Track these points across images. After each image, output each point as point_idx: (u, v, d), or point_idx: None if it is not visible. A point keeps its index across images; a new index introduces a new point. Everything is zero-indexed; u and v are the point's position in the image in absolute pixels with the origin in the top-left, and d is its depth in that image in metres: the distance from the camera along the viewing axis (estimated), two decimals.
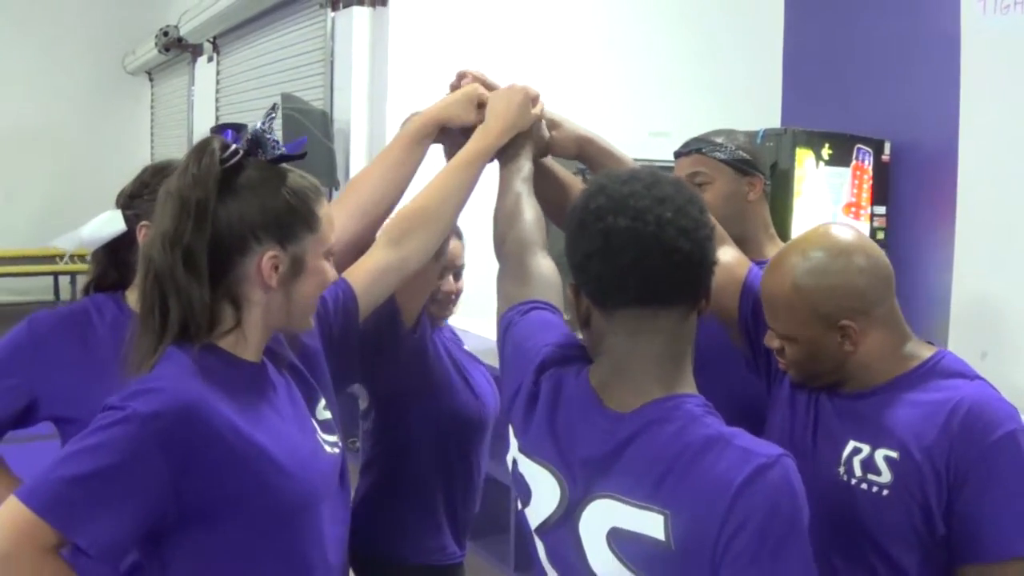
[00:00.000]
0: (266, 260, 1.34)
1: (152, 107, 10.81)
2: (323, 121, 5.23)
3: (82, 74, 10.46)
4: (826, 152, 4.86)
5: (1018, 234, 4.07)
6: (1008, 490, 1.35)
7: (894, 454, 1.41)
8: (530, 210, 1.63)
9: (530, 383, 1.36)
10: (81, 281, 2.17)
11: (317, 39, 5.79)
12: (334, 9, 5.57)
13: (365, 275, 1.65)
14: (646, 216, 1.22)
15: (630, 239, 1.22)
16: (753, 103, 5.63)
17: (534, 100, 1.81)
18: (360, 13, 5.36)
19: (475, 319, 4.24)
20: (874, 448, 1.43)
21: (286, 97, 5.18)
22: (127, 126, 10.75)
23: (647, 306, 1.25)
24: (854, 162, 4.99)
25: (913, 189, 5.11)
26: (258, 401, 1.35)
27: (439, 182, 1.73)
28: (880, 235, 5.09)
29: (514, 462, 1.37)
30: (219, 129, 1.40)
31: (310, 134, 5.12)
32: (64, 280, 9.58)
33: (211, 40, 8.15)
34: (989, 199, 4.23)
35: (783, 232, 5.57)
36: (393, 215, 1.75)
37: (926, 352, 1.51)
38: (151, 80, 10.83)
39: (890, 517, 1.40)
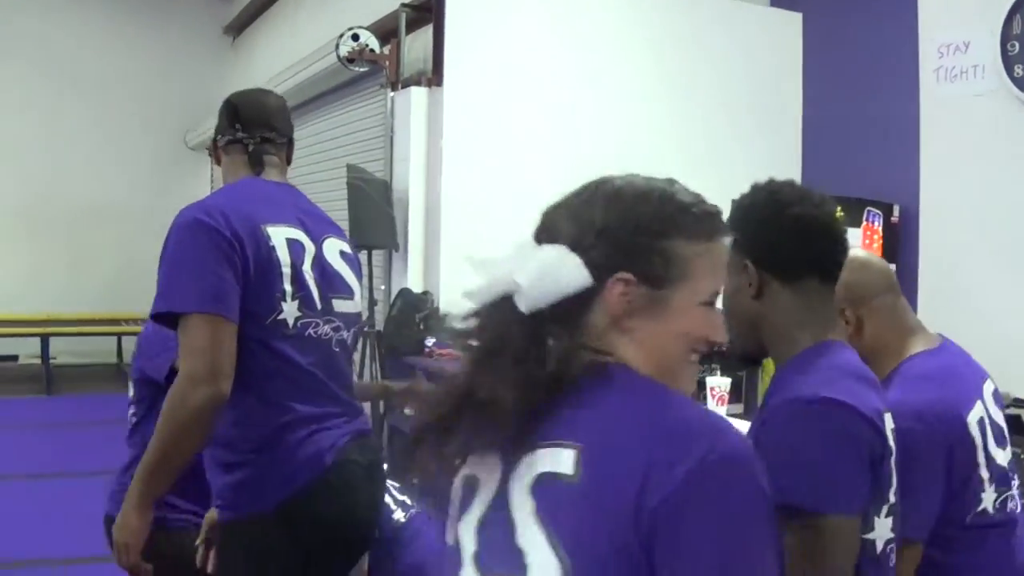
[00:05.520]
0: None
1: (212, 181, 11.45)
2: (384, 190, 5.75)
3: (146, 150, 11.10)
4: (837, 215, 5.35)
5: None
6: None
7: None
8: None
9: None
10: None
11: (378, 116, 6.35)
12: (393, 89, 6.14)
13: None
14: (825, 207, 1.63)
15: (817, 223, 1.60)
16: (775, 173, 6.11)
17: None
18: (418, 93, 5.92)
19: None
20: None
21: (351, 168, 5.72)
22: (188, 199, 11.33)
23: (822, 279, 1.61)
24: (864, 223, 5.48)
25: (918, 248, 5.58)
26: None
27: None
28: None
29: None
30: None
31: (372, 202, 5.66)
32: (127, 341, 10.11)
33: None
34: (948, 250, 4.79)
35: None
36: None
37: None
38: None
39: None
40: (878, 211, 5.54)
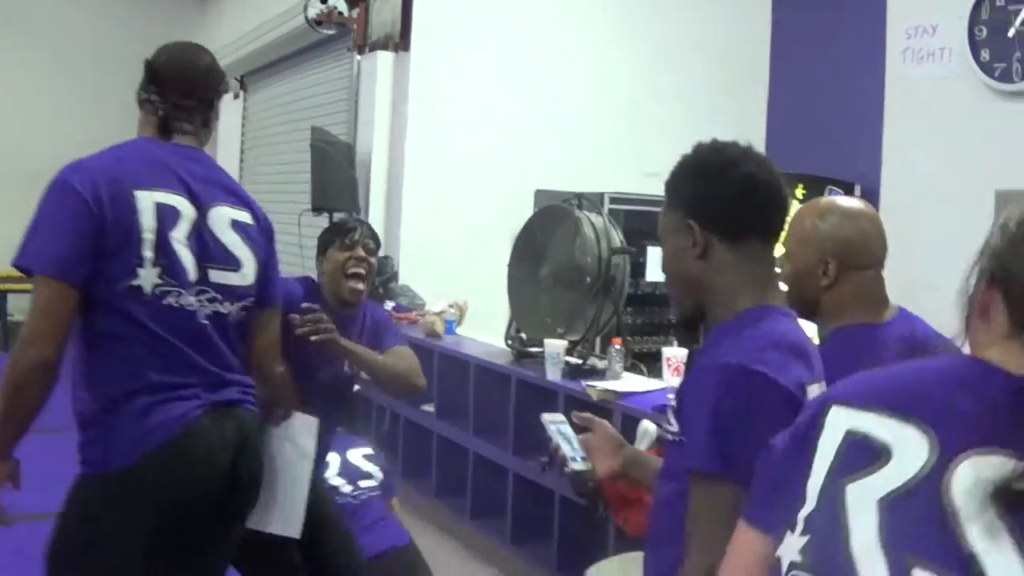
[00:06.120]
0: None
1: None
2: (348, 152, 5.71)
3: (110, 111, 10.88)
4: (800, 192, 5.38)
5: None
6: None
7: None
8: None
9: None
10: None
11: (343, 79, 6.30)
12: (360, 53, 6.09)
13: None
14: (767, 165, 1.59)
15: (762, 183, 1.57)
16: None
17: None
18: (384, 57, 5.88)
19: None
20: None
21: (315, 130, 5.67)
22: None
23: (763, 240, 1.59)
24: None
25: None
26: None
27: None
28: None
29: None
30: None
31: (335, 164, 5.62)
32: None
33: (238, 79, 8.67)
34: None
35: None
36: None
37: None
38: None
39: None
40: (839, 190, 5.55)
